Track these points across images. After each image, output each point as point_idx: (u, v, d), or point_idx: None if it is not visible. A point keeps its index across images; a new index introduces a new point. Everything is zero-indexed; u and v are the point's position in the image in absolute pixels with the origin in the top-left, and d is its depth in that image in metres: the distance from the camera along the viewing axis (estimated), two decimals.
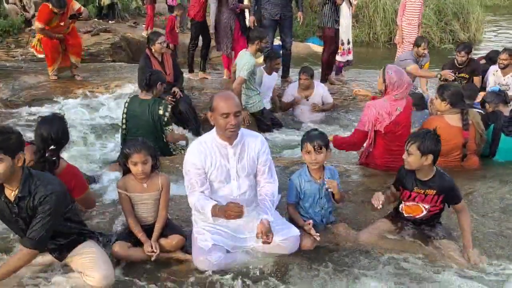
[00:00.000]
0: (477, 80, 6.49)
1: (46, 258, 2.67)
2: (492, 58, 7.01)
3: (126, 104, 4.61)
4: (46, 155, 2.91)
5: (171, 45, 9.03)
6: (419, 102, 5.53)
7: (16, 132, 2.41)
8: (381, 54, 12.39)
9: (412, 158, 2.88)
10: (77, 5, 6.57)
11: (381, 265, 2.82)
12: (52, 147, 2.91)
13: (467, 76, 6.56)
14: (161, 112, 4.43)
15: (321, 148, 2.93)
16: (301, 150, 3.03)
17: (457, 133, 3.94)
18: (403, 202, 3.07)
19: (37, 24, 6.39)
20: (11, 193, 2.46)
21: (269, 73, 6.05)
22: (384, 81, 3.92)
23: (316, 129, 3.13)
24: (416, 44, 6.62)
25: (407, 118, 4.00)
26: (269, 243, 2.71)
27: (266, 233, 2.70)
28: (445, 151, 3.96)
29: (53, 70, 6.67)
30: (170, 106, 4.58)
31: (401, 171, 3.06)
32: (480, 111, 4.52)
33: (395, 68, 3.99)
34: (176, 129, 5.17)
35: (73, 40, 6.73)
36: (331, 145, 3.40)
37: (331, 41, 6.85)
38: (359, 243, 2.99)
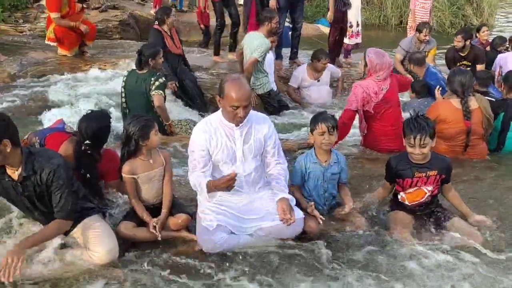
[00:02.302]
0: (480, 68, 6.33)
1: None
2: (495, 45, 6.86)
3: (124, 78, 4.61)
4: (82, 148, 2.96)
5: (202, 26, 8.92)
6: (421, 90, 5.46)
7: None
8: (391, 37, 12.22)
9: (428, 147, 2.92)
10: None
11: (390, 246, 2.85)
12: (87, 142, 2.97)
13: (469, 63, 6.45)
14: (151, 82, 4.40)
15: (333, 130, 2.96)
16: (311, 131, 3.04)
17: (463, 117, 3.95)
18: (402, 192, 3.07)
19: (52, 16, 6.32)
20: (13, 172, 2.50)
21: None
22: (366, 64, 4.11)
23: (325, 111, 3.16)
24: (418, 29, 6.50)
25: (395, 95, 4.13)
26: (292, 222, 2.75)
27: (289, 212, 2.76)
28: (450, 134, 3.98)
29: (71, 53, 6.68)
30: (163, 78, 4.51)
31: (391, 164, 3.08)
32: (490, 98, 4.45)
33: (374, 51, 4.19)
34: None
35: (87, 25, 6.70)
36: None
37: (337, 23, 6.77)
38: (358, 227, 3.00)
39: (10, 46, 7.00)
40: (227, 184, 2.70)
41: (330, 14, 6.62)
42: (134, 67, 4.67)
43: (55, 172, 2.48)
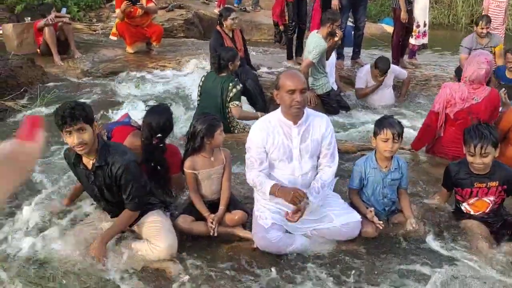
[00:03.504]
0: None
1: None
2: None
3: (203, 78, 4.74)
4: (153, 143, 3.09)
5: (281, 27, 8.99)
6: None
7: (86, 104, 2.60)
8: (461, 37, 11.62)
9: (490, 157, 2.77)
10: None
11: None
12: (158, 135, 3.09)
13: None
14: (229, 87, 4.50)
15: (398, 137, 2.85)
16: (374, 135, 2.95)
17: None
18: (464, 203, 2.94)
19: (117, 12, 6.81)
20: (89, 161, 2.66)
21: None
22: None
23: (391, 116, 3.02)
24: (475, 23, 6.10)
25: (484, 112, 3.74)
26: (294, 221, 2.70)
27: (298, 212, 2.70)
28: None
29: (132, 48, 7.02)
30: (240, 85, 4.61)
31: (451, 171, 2.94)
32: None
33: (477, 52, 3.94)
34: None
35: (154, 28, 7.04)
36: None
37: (402, 23, 6.55)
38: (419, 235, 2.90)
39: (84, 44, 7.44)
40: (293, 200, 2.66)
41: (403, 13, 6.42)
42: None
43: (125, 167, 2.60)
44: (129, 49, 7.03)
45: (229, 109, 4.54)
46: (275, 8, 9.04)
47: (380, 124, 2.90)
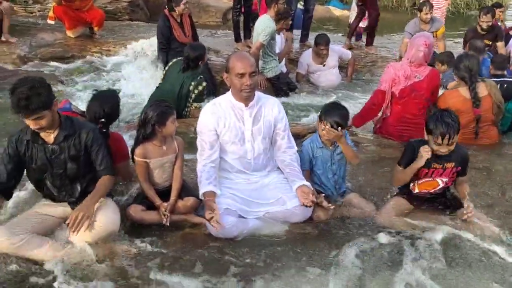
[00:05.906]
0: (500, 45, 6.22)
1: (59, 209, 2.71)
2: None
3: (170, 63, 4.71)
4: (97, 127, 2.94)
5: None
6: (448, 59, 5.32)
7: (43, 83, 2.48)
8: (405, 20, 11.96)
9: (455, 144, 2.79)
10: None
11: (398, 241, 2.76)
12: (102, 120, 2.97)
13: (489, 42, 6.31)
14: (191, 88, 4.44)
15: (338, 128, 2.86)
16: (319, 119, 2.97)
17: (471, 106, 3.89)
18: (415, 181, 2.97)
19: None
20: (49, 135, 2.57)
21: (278, 32, 5.80)
22: None
23: (338, 104, 3.01)
24: (418, 9, 6.34)
25: (426, 89, 3.97)
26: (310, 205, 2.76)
27: (311, 194, 2.76)
28: (462, 124, 3.88)
29: (72, 33, 6.68)
30: (203, 84, 4.52)
31: (410, 151, 2.90)
32: (508, 79, 4.37)
33: (419, 33, 4.16)
34: None
35: (94, 13, 6.70)
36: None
37: (362, 7, 6.66)
38: (373, 216, 2.95)
39: (20, 27, 6.99)
40: (209, 217, 2.61)
41: None
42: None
43: (94, 132, 2.65)
44: (70, 34, 6.67)
45: (190, 108, 4.51)
46: None
47: (324, 112, 2.92)
